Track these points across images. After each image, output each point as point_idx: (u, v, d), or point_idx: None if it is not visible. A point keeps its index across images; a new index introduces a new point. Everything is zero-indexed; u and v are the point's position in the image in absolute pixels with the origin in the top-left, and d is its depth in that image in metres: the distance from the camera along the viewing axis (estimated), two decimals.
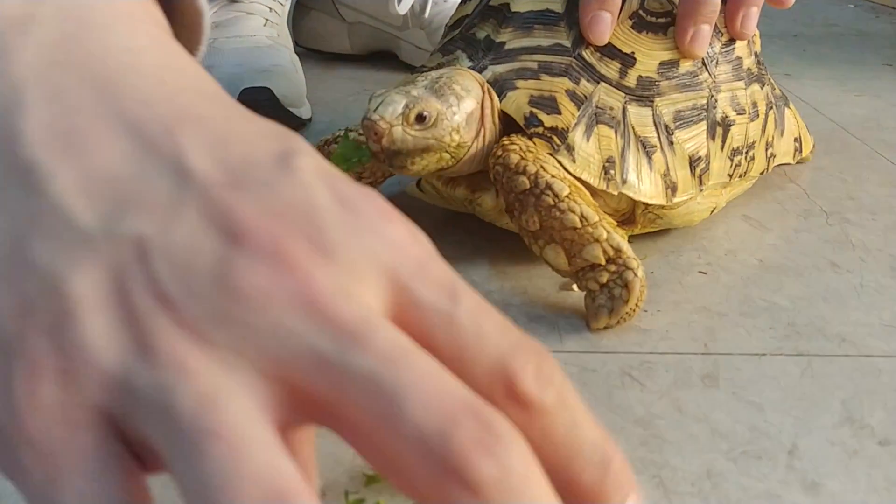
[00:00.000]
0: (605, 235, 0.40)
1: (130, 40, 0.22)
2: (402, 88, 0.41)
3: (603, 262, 0.41)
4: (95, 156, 0.19)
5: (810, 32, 1.21)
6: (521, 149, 0.42)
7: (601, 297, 0.41)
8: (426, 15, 0.93)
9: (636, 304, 0.41)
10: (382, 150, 0.40)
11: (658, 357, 0.39)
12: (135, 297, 0.17)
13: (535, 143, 0.43)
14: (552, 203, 0.41)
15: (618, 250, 0.41)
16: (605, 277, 0.41)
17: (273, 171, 0.19)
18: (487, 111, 0.44)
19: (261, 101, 0.69)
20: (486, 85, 0.44)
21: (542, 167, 0.41)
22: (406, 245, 0.20)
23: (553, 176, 0.41)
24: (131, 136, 0.19)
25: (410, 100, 0.40)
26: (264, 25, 0.79)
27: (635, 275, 0.40)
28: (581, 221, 0.40)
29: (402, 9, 0.91)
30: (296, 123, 0.74)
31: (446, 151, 0.42)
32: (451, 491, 0.16)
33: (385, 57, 1.00)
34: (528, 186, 0.41)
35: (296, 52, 0.84)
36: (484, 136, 0.44)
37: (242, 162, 0.19)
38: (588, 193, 0.43)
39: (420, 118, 0.40)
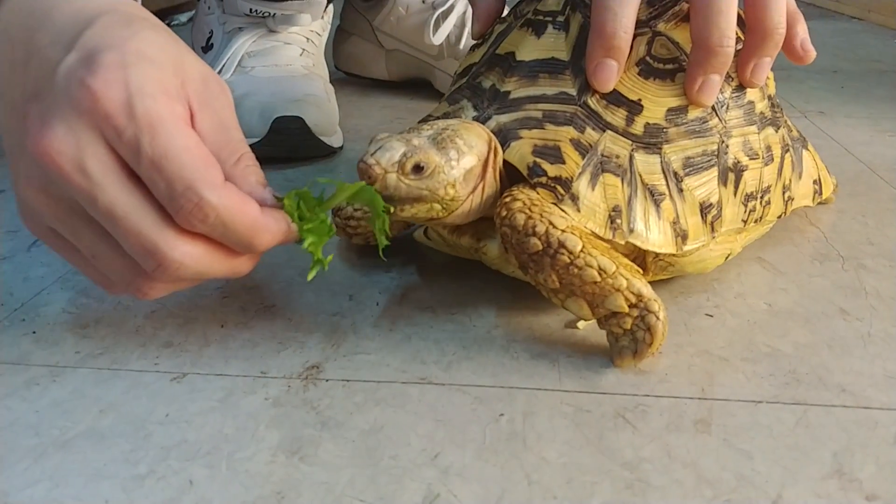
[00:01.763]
0: (624, 284, 0.41)
1: None
2: (404, 136, 0.42)
3: (626, 310, 0.41)
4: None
5: (851, 68, 1.20)
6: (524, 204, 0.42)
7: (625, 340, 0.42)
8: (461, 46, 0.95)
9: (659, 344, 0.41)
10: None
11: (654, 400, 0.40)
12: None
13: (538, 194, 0.44)
14: (569, 261, 0.41)
15: (639, 295, 0.41)
16: (628, 323, 0.42)
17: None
18: (490, 166, 0.44)
19: (293, 129, 0.72)
20: (495, 141, 0.45)
21: (550, 223, 0.41)
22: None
23: (563, 231, 0.41)
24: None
25: (410, 149, 0.40)
26: (301, 55, 0.81)
27: (657, 318, 0.41)
28: (600, 274, 0.41)
29: (438, 39, 0.94)
30: (327, 152, 0.76)
31: (438, 203, 0.42)
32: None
33: (420, 85, 1.02)
34: (540, 248, 0.41)
35: (333, 77, 0.87)
36: (482, 191, 0.44)
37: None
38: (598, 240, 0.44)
39: (417, 168, 0.40)
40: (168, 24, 1.58)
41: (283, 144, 0.72)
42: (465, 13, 0.96)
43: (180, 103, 0.37)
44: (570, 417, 0.39)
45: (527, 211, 0.42)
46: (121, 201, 0.36)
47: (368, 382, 0.41)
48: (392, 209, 0.41)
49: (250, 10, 0.79)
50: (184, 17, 1.64)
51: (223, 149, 0.39)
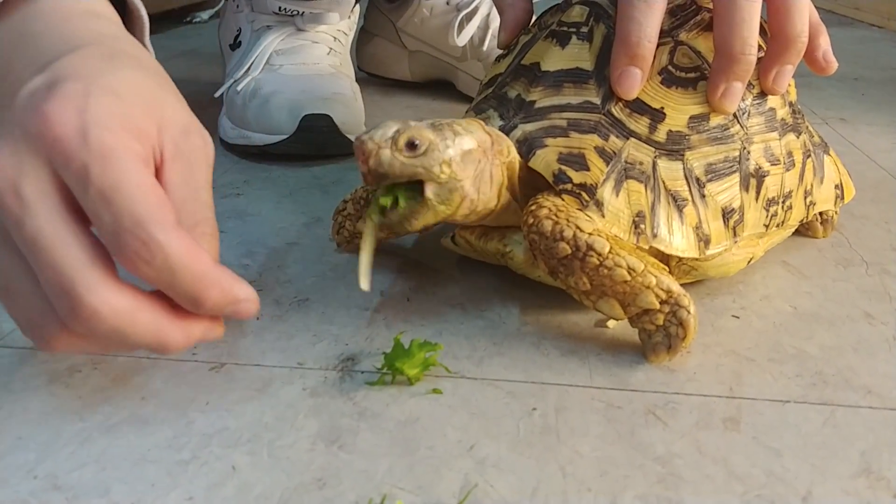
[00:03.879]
0: (654, 281, 0.42)
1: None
2: (403, 120, 0.42)
3: (657, 307, 0.42)
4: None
5: (872, 76, 1.20)
6: (550, 211, 0.43)
7: (658, 336, 0.43)
8: (484, 48, 0.96)
9: (692, 338, 0.42)
10: (370, 171, 0.40)
11: (683, 398, 0.41)
12: None
13: (563, 200, 0.44)
14: (598, 262, 0.42)
15: (668, 291, 0.42)
16: (660, 319, 0.42)
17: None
18: (497, 158, 0.44)
19: (321, 127, 0.73)
20: (498, 133, 0.45)
21: (577, 227, 0.42)
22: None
23: (590, 234, 0.42)
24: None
25: (403, 126, 0.41)
26: (328, 54, 0.82)
27: (688, 312, 0.42)
28: (630, 273, 0.42)
29: (462, 41, 0.94)
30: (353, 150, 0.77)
31: (440, 202, 0.42)
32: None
33: (443, 86, 1.03)
34: (569, 252, 0.42)
35: (357, 77, 0.88)
36: (490, 179, 0.44)
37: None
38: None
39: (410, 145, 0.40)
40: (189, 22, 1.58)
41: (311, 142, 0.73)
42: (488, 15, 0.97)
43: (142, 143, 0.34)
44: (601, 413, 0.39)
45: (553, 217, 0.43)
46: (48, 229, 0.32)
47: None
48: (406, 227, 0.42)
49: (279, 8, 0.80)
50: (205, 15, 1.66)
51: (184, 207, 0.36)
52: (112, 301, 0.33)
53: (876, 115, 0.97)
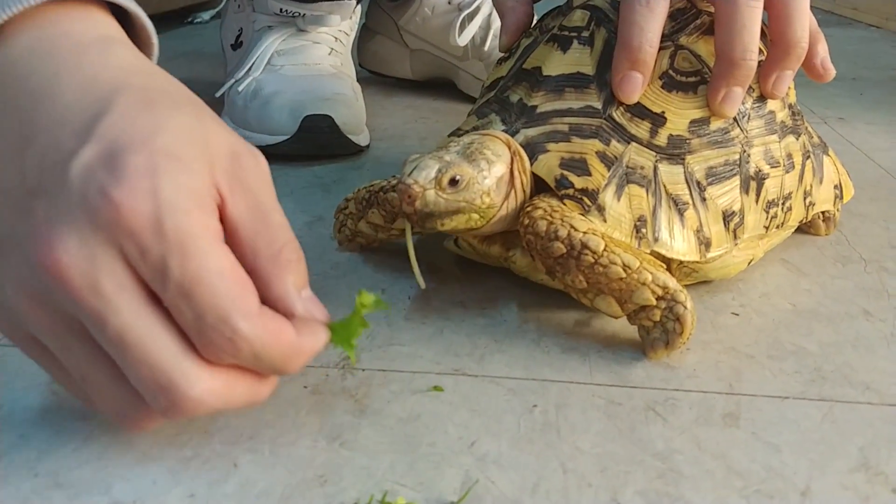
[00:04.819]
0: (650, 277, 0.42)
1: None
2: (435, 154, 0.43)
3: (654, 303, 0.43)
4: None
5: (871, 76, 1.21)
6: (545, 212, 0.44)
7: (656, 332, 0.43)
8: (486, 48, 0.96)
9: (689, 333, 0.43)
10: (416, 212, 0.42)
11: (683, 394, 0.41)
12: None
13: (565, 204, 0.45)
14: (593, 261, 0.42)
15: (664, 287, 0.43)
16: (657, 315, 0.43)
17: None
18: (517, 173, 0.45)
19: (322, 127, 0.73)
20: (516, 145, 0.46)
21: (571, 227, 0.43)
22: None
23: (585, 233, 0.43)
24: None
25: (443, 165, 0.42)
26: (329, 54, 0.82)
27: (685, 308, 0.42)
28: (625, 270, 0.42)
29: (463, 40, 0.95)
30: (354, 150, 0.77)
31: (476, 212, 0.43)
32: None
33: (444, 85, 1.03)
34: (564, 251, 0.43)
35: (358, 75, 0.88)
36: (515, 198, 0.45)
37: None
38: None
39: (453, 182, 0.42)
40: (190, 22, 1.58)
41: (313, 142, 0.73)
42: (490, 15, 0.97)
43: (214, 216, 0.32)
44: (602, 410, 0.40)
45: (548, 217, 0.44)
46: (136, 327, 0.31)
47: (404, 373, 0.42)
48: (435, 226, 0.43)
49: (280, 9, 0.81)
50: (206, 15, 1.66)
51: (260, 236, 0.34)
52: (213, 387, 0.32)
53: (874, 115, 0.97)
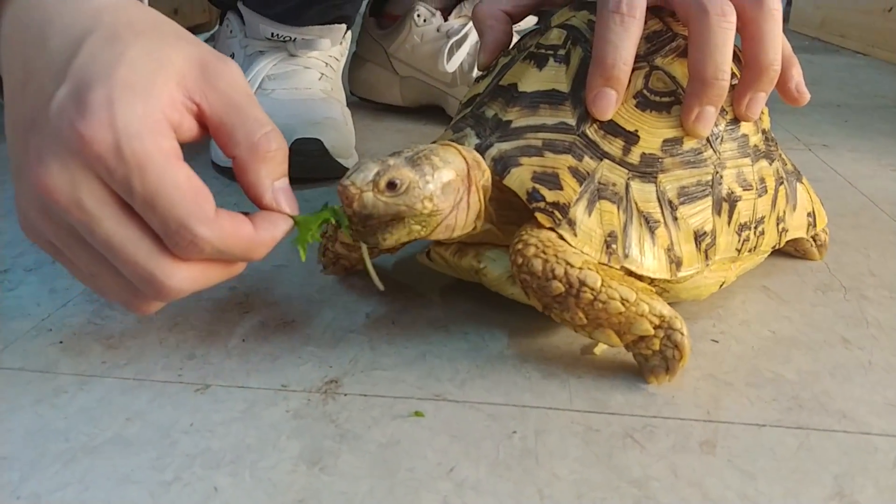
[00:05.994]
0: (647, 308, 0.43)
1: None
2: (380, 158, 0.43)
3: (652, 333, 0.43)
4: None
5: (855, 103, 1.22)
6: (538, 248, 0.44)
7: (655, 359, 0.44)
8: (473, 74, 0.98)
9: (687, 358, 0.44)
10: (354, 213, 0.42)
11: (661, 421, 0.41)
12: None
13: (544, 229, 0.45)
14: (592, 297, 0.43)
15: (661, 317, 0.43)
16: (656, 344, 0.43)
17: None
18: (474, 184, 0.45)
19: (311, 150, 0.74)
20: (475, 155, 0.46)
21: (567, 263, 0.43)
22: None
23: (580, 268, 0.43)
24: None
25: (383, 168, 0.42)
26: (319, 79, 0.83)
27: (682, 334, 0.43)
28: (624, 304, 0.43)
29: (451, 67, 0.96)
30: (343, 173, 0.77)
31: (417, 223, 0.43)
32: None
33: (433, 111, 1.04)
34: (563, 290, 0.43)
35: (349, 101, 0.89)
36: (469, 207, 0.45)
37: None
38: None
39: (391, 185, 0.42)
40: None
41: (302, 165, 0.74)
42: (478, 42, 0.98)
43: (169, 137, 0.37)
44: (580, 436, 0.40)
45: (542, 255, 0.44)
46: (117, 233, 0.37)
47: (385, 398, 0.43)
48: (378, 241, 0.43)
49: (272, 34, 0.82)
50: (201, 39, 1.67)
51: (237, 129, 0.39)
52: (188, 275, 0.39)
53: (858, 142, 0.98)
